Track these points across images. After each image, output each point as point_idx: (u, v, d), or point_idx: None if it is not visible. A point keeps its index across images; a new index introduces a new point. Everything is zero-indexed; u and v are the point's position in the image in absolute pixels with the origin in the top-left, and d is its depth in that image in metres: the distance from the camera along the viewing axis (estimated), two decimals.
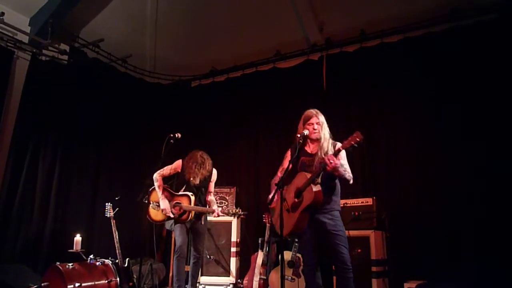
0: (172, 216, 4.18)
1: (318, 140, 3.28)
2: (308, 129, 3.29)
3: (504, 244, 4.01)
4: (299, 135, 3.26)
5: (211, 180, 4.42)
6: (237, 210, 4.19)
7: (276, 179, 3.37)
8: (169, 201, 4.21)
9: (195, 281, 4.27)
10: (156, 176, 4.26)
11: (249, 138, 6.21)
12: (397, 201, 4.77)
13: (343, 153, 3.14)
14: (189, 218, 4.13)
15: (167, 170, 4.33)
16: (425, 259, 4.38)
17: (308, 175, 3.12)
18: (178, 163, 4.36)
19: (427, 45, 4.96)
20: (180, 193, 4.25)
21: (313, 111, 3.36)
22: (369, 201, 4.50)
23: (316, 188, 3.06)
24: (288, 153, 3.48)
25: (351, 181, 3.16)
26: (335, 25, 5.63)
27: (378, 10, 5.25)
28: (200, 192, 4.31)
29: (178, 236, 4.17)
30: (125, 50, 6.24)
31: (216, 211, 4.21)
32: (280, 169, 3.45)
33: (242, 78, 6.48)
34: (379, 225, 4.39)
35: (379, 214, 4.43)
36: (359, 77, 5.37)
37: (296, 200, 3.17)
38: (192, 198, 4.17)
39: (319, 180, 3.11)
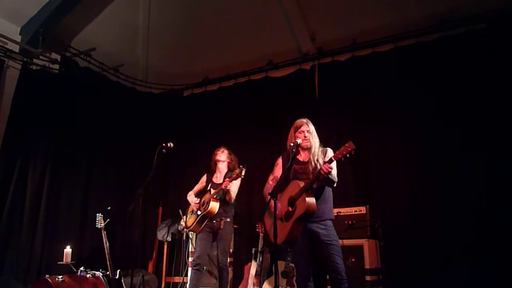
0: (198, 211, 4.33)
1: (308, 148, 3.29)
2: (299, 137, 3.30)
3: (497, 253, 4.02)
4: (292, 144, 3.25)
5: None
6: (240, 168, 4.09)
7: (268, 188, 3.36)
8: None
9: None
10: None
11: (241, 147, 6.16)
12: (391, 209, 4.77)
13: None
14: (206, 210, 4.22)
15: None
16: (419, 268, 4.37)
17: (301, 184, 3.11)
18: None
19: (418, 54, 5.02)
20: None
21: (303, 120, 3.39)
22: (362, 209, 4.49)
23: (309, 197, 3.06)
24: (279, 161, 3.47)
25: (335, 185, 3.19)
26: (327, 35, 5.68)
27: (369, 19, 5.32)
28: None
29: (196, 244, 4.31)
30: (117, 59, 6.20)
31: (224, 183, 4.19)
32: (272, 177, 3.45)
33: (235, 87, 6.48)
34: (373, 234, 4.37)
35: (372, 223, 4.41)
36: (351, 86, 5.40)
37: (289, 209, 3.15)
38: (213, 191, 4.31)
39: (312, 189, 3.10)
